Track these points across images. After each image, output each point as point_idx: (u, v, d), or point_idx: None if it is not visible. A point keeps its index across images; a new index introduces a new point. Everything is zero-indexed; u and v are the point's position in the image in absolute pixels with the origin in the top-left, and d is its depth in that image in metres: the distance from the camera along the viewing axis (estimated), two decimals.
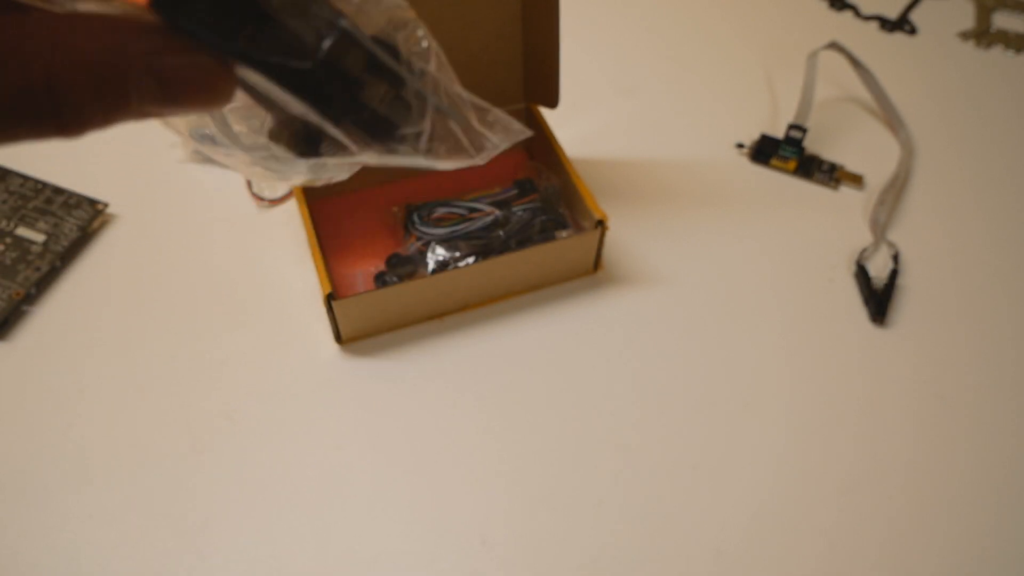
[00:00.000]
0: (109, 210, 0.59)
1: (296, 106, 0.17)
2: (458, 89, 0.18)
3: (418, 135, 0.18)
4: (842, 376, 0.51)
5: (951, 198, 0.63)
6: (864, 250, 0.57)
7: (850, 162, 0.64)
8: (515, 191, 0.57)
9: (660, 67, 0.73)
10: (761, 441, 0.48)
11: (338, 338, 0.52)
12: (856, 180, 0.63)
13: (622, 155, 0.65)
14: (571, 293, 0.55)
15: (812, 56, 0.66)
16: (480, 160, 0.19)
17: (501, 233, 0.54)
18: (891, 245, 0.58)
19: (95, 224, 0.58)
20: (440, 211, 0.55)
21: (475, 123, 0.19)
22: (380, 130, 0.18)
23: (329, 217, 0.58)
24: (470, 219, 0.54)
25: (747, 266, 0.57)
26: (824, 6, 0.81)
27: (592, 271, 0.56)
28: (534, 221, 0.54)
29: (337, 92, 0.17)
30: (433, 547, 0.44)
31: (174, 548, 0.43)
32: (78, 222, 0.57)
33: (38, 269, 0.54)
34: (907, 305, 0.55)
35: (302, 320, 0.53)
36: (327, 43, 0.17)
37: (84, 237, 0.57)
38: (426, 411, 0.49)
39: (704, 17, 0.79)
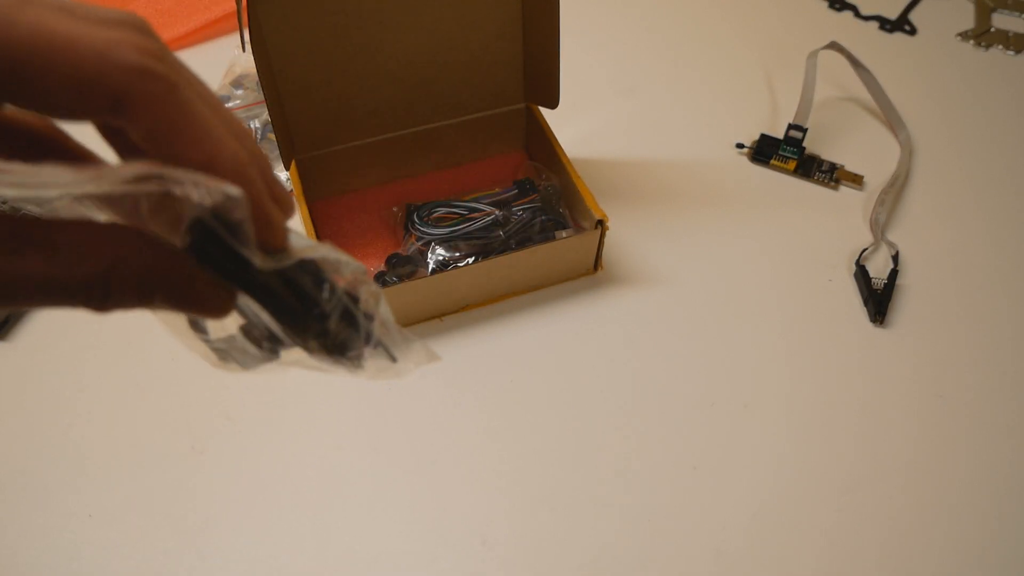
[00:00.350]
0: None
1: (278, 328, 0.23)
2: (393, 327, 0.25)
3: (359, 356, 0.25)
4: (842, 376, 0.51)
5: (951, 198, 0.63)
6: (864, 250, 0.57)
7: (850, 162, 0.65)
8: (515, 191, 0.57)
9: (660, 67, 0.73)
10: (761, 441, 0.48)
11: None
12: (856, 180, 0.63)
13: (622, 155, 0.65)
14: (571, 293, 0.55)
15: (812, 56, 0.66)
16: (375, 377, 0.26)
17: (501, 233, 0.54)
18: (891, 245, 0.58)
19: None
20: (440, 211, 0.55)
21: (399, 352, 0.25)
22: (335, 350, 0.24)
23: (329, 217, 0.58)
24: (470, 219, 0.54)
25: (747, 266, 0.57)
26: (824, 6, 0.81)
27: (592, 271, 0.56)
28: (534, 221, 0.54)
29: (312, 322, 0.23)
30: (433, 547, 0.44)
31: (174, 548, 0.43)
32: None
33: None
34: (907, 305, 0.55)
35: None
36: (325, 294, 0.23)
37: None
38: (426, 411, 0.49)
39: (704, 17, 0.79)
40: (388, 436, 0.48)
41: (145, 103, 0.18)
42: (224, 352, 0.25)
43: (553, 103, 0.58)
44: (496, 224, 0.54)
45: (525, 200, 0.56)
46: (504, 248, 0.53)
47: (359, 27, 0.51)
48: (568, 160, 0.55)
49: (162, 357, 0.51)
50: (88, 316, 0.53)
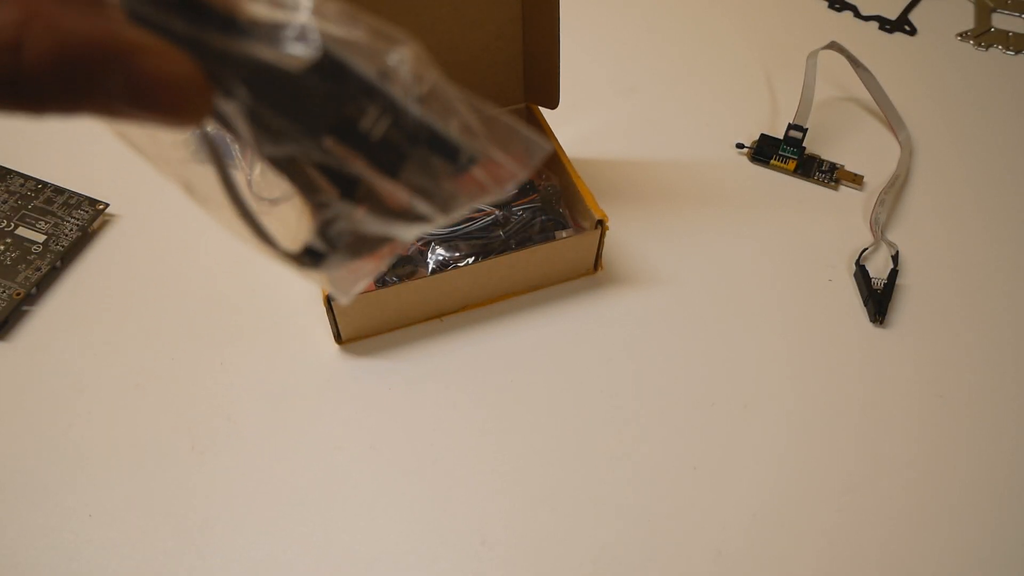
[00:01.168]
0: (109, 210, 0.59)
1: (282, 127, 0.16)
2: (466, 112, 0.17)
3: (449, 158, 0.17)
4: (842, 376, 0.51)
5: (951, 198, 0.63)
6: (864, 250, 0.57)
7: (850, 162, 0.64)
8: (515, 191, 0.57)
9: (660, 67, 0.73)
10: (761, 441, 0.48)
11: (338, 338, 0.52)
12: (856, 180, 0.63)
13: (622, 155, 0.65)
14: (571, 293, 0.55)
15: (812, 56, 0.66)
16: (502, 190, 0.18)
17: (501, 233, 0.54)
18: (891, 245, 0.58)
19: (95, 224, 0.58)
20: None
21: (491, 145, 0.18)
22: (386, 161, 0.17)
23: None
24: (470, 219, 0.54)
25: (747, 266, 0.57)
26: (824, 6, 0.81)
27: (592, 271, 0.56)
28: (534, 221, 0.54)
29: (330, 108, 0.16)
30: (433, 547, 0.44)
31: (174, 548, 0.43)
32: (78, 222, 0.57)
33: (38, 269, 0.54)
34: (907, 305, 0.55)
35: (302, 320, 0.53)
36: (308, 49, 0.16)
37: (84, 237, 0.57)
38: (426, 411, 0.49)
39: (704, 17, 0.79)
40: (388, 436, 0.48)
41: None
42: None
43: (553, 103, 0.58)
44: (496, 224, 0.54)
45: (525, 200, 0.56)
46: (504, 248, 0.53)
47: None
48: (568, 160, 0.55)
49: (162, 357, 0.51)
50: (87, 316, 0.53)
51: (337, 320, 0.50)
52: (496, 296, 0.54)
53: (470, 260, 0.52)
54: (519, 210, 0.55)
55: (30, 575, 0.42)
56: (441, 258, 0.53)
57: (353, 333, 0.52)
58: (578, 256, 0.54)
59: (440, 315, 0.54)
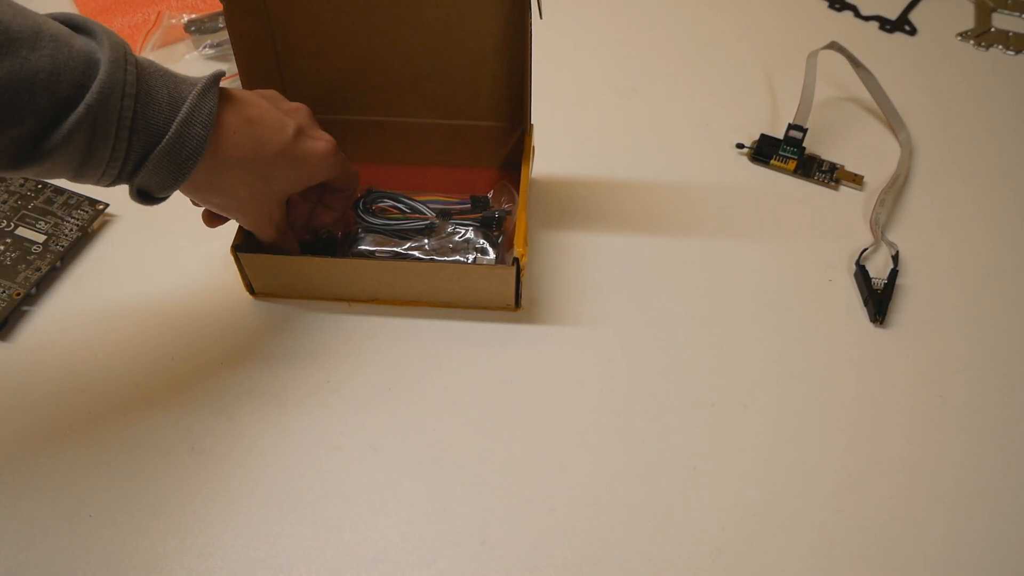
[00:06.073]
0: (109, 210, 0.59)
1: None
2: None
3: None
4: (842, 376, 0.51)
5: (951, 198, 0.63)
6: (864, 250, 0.57)
7: (850, 162, 0.64)
8: (468, 205, 0.56)
9: (660, 67, 0.73)
10: (761, 441, 0.48)
11: (251, 290, 0.54)
12: (856, 180, 0.63)
13: (622, 155, 0.65)
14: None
15: (812, 56, 0.66)
16: None
17: (426, 242, 0.53)
18: (891, 245, 0.58)
19: (95, 224, 0.58)
20: (385, 203, 0.55)
21: None
22: None
23: None
24: (407, 218, 0.54)
25: (747, 266, 0.57)
26: (824, 6, 0.81)
27: (513, 308, 0.54)
28: (461, 239, 0.53)
29: None
30: (433, 547, 0.44)
31: (174, 548, 0.43)
32: (78, 222, 0.57)
33: (38, 269, 0.54)
34: (907, 305, 0.55)
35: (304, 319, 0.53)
36: None
37: (84, 237, 0.57)
38: (426, 410, 0.49)
39: (704, 17, 0.79)
40: (388, 436, 0.48)
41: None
42: None
43: (522, 125, 0.56)
44: (429, 229, 0.54)
45: (469, 216, 0.55)
46: (425, 256, 0.53)
47: (362, 8, 0.52)
48: (524, 187, 0.53)
49: (161, 357, 0.51)
50: (87, 316, 0.53)
51: (247, 274, 0.53)
52: (408, 300, 0.54)
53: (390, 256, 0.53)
54: (457, 224, 0.54)
55: (30, 575, 0.42)
56: (362, 246, 0.53)
57: (264, 289, 0.54)
58: (494, 288, 0.52)
59: (348, 299, 0.54)
